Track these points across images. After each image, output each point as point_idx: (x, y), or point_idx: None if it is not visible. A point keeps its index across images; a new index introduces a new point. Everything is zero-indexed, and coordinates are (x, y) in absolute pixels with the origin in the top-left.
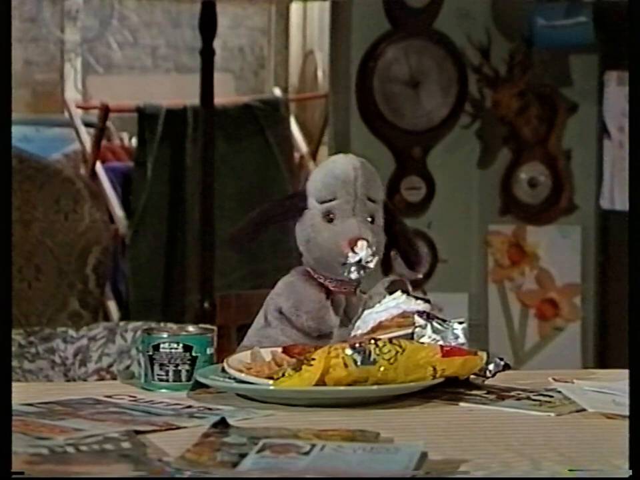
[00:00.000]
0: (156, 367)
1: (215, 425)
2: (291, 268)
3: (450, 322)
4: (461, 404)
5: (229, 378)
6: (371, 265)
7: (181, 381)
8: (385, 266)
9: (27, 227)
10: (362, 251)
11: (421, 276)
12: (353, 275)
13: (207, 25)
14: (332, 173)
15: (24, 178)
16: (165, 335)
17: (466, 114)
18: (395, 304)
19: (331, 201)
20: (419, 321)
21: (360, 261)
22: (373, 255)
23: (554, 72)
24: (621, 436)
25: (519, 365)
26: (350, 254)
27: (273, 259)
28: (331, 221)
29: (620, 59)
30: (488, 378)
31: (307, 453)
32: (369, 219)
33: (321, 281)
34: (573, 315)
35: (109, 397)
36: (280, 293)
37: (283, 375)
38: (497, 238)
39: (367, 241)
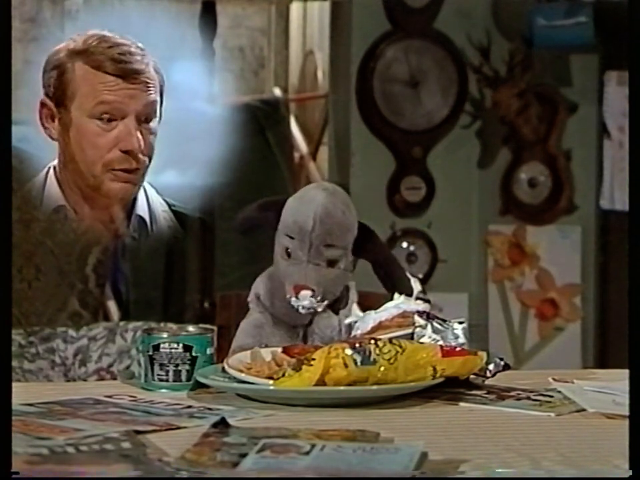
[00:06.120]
0: (156, 367)
1: (214, 425)
2: None
3: (450, 322)
4: (461, 404)
5: (229, 378)
6: (319, 309)
7: (181, 380)
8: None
9: (27, 227)
10: (304, 300)
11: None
12: (302, 312)
13: (207, 24)
14: (296, 213)
15: (24, 178)
16: (165, 335)
17: (466, 114)
18: (394, 304)
19: (291, 237)
20: (418, 321)
21: (304, 307)
22: (320, 301)
23: (554, 72)
24: (621, 436)
25: (519, 365)
26: (293, 299)
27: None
28: (288, 256)
29: (620, 59)
30: (488, 378)
31: (307, 453)
32: (326, 265)
33: None
34: (573, 315)
35: (109, 396)
36: (260, 281)
37: (283, 375)
38: (496, 238)
39: (312, 291)
